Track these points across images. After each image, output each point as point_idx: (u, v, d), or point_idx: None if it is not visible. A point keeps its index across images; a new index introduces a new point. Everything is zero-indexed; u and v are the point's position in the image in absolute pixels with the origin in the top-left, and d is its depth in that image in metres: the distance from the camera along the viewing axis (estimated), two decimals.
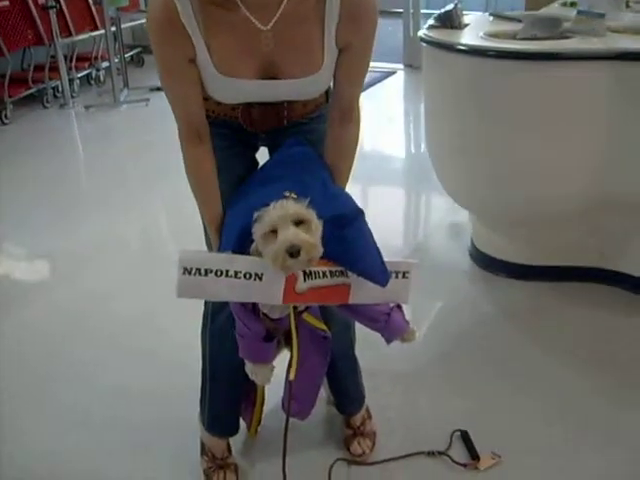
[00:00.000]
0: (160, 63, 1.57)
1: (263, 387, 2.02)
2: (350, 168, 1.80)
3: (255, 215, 1.48)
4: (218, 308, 1.88)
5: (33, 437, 2.27)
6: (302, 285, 1.54)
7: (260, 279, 1.53)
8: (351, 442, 2.13)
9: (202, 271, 1.52)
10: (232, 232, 1.60)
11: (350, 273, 1.58)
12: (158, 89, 6.65)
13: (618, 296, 2.91)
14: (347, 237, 1.57)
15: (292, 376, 1.72)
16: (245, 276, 1.53)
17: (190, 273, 1.52)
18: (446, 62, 2.69)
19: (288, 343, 1.77)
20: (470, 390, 2.40)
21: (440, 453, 2.12)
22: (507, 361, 2.56)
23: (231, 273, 1.53)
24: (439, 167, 3.03)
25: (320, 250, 1.49)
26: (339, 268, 1.57)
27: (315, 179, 1.65)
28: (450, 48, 2.60)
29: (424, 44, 2.76)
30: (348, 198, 1.68)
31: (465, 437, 2.17)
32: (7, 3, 5.82)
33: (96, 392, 2.47)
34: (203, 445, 2.11)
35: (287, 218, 1.45)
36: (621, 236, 2.81)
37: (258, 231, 1.48)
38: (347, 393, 2.14)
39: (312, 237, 1.46)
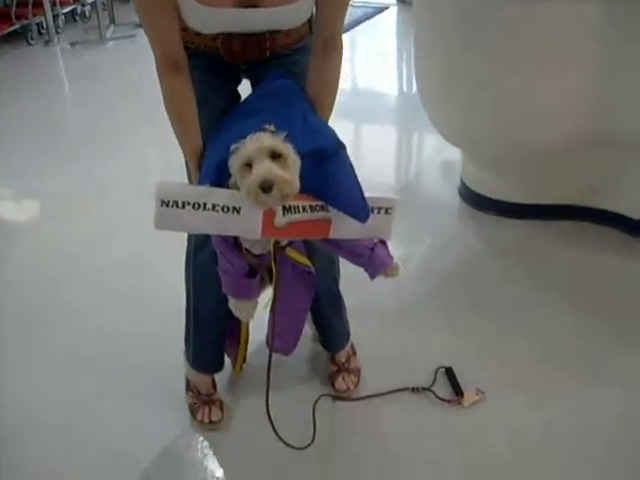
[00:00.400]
0: None
1: (247, 324, 2.02)
2: (333, 101, 1.74)
3: (232, 147, 1.45)
4: (201, 244, 1.86)
5: (22, 383, 2.28)
6: (281, 219, 1.52)
7: (238, 212, 1.51)
8: (336, 378, 2.13)
9: (179, 203, 1.51)
10: (211, 165, 1.57)
11: (331, 208, 1.55)
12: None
13: (609, 236, 2.88)
14: (327, 171, 1.53)
15: (270, 309, 1.75)
16: (223, 209, 1.51)
17: (168, 205, 1.51)
18: None
19: (271, 279, 1.75)
20: (456, 327, 2.40)
21: (424, 389, 2.13)
22: (494, 299, 2.55)
23: (209, 206, 1.51)
24: (429, 105, 2.96)
25: (296, 186, 1.46)
26: (319, 203, 1.54)
27: (297, 112, 1.60)
28: None
29: None
30: (329, 132, 1.63)
31: (449, 373, 2.18)
32: None
33: (85, 335, 2.46)
34: (188, 382, 2.11)
35: (262, 151, 1.41)
36: (614, 175, 2.77)
37: (234, 164, 1.45)
38: (331, 329, 2.13)
39: (287, 172, 1.43)
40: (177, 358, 2.12)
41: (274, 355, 1.83)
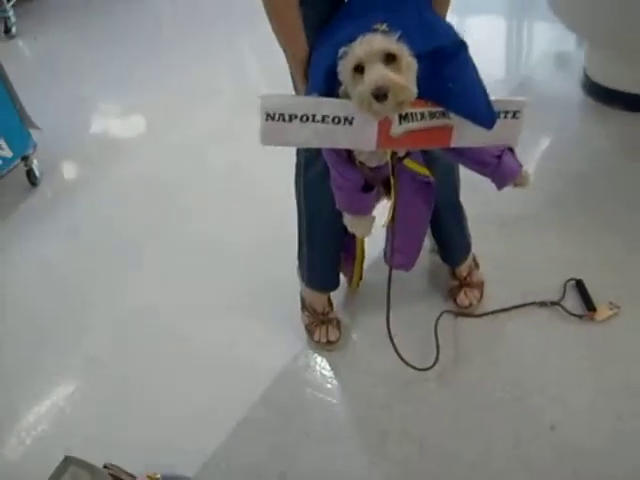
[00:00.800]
0: None
1: (363, 240, 1.93)
2: (448, 7, 1.56)
3: (340, 52, 1.31)
4: (311, 158, 1.76)
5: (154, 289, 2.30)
6: (397, 128, 1.38)
7: (350, 123, 1.39)
8: (457, 293, 2.04)
9: (286, 116, 1.39)
10: (318, 73, 1.43)
11: (452, 114, 1.40)
12: None
13: None
14: (447, 74, 1.36)
15: (388, 224, 1.66)
16: (334, 120, 1.39)
17: (274, 119, 1.39)
18: None
19: (388, 192, 1.64)
20: (583, 238, 2.21)
21: (553, 303, 2.00)
22: (626, 204, 2.33)
23: (318, 118, 1.39)
24: None
25: (413, 92, 1.30)
26: (439, 109, 1.39)
27: (410, 7, 1.42)
28: None
29: None
30: (448, 29, 1.44)
31: (580, 286, 2.03)
32: None
33: (189, 244, 2.45)
34: (303, 300, 2.06)
35: (374, 54, 1.26)
36: None
37: (344, 70, 1.31)
38: (452, 242, 2.01)
39: (403, 77, 1.27)
40: (290, 274, 2.06)
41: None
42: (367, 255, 2.00)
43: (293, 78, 1.65)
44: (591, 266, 2.09)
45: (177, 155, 3.01)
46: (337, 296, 2.08)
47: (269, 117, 1.39)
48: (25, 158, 2.92)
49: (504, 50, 3.65)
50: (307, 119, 1.39)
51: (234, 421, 1.86)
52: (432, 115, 1.39)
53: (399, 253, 1.76)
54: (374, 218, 1.70)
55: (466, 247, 2.03)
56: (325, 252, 1.95)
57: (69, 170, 3.14)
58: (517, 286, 2.06)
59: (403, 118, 1.37)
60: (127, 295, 2.33)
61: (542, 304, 2.00)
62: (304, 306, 2.06)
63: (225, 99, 3.44)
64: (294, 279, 2.05)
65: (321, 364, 1.98)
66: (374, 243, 1.91)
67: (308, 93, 1.46)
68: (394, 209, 1.62)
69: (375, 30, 1.29)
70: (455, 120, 1.41)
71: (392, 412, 1.82)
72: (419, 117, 1.38)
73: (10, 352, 2.19)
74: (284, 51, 1.55)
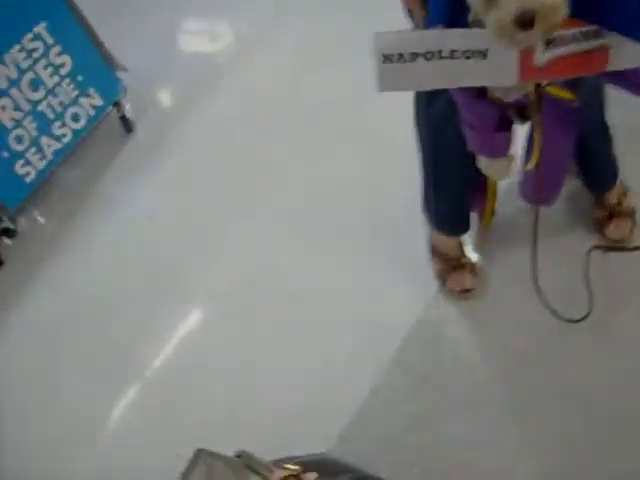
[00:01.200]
0: None
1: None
2: None
3: None
4: (434, 93, 1.53)
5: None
6: (543, 56, 1.17)
7: (484, 56, 1.19)
8: (607, 224, 1.83)
9: (407, 56, 1.20)
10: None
11: (607, 33, 1.16)
12: None
13: None
14: None
15: (533, 165, 1.45)
16: (464, 55, 1.19)
17: (392, 60, 1.21)
18: None
19: (524, 117, 1.44)
20: None
21: None
22: None
23: (446, 53, 1.19)
24: None
25: (564, 10, 1.06)
26: (592, 27, 1.15)
27: None
28: None
29: None
30: None
31: None
32: None
33: (302, 185, 2.30)
34: (433, 245, 1.90)
35: None
36: None
37: None
38: (599, 165, 1.79)
39: None
40: (414, 216, 1.89)
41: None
42: (499, 190, 1.81)
43: (409, 8, 1.43)
44: None
45: (275, 81, 2.81)
46: (470, 237, 1.91)
47: (387, 59, 1.21)
48: (117, 104, 2.81)
49: None
50: (432, 56, 1.20)
51: (366, 388, 1.75)
52: (585, 35, 1.16)
53: (543, 189, 1.56)
54: (513, 158, 1.52)
55: (614, 172, 1.81)
56: (454, 194, 1.78)
57: (163, 111, 3.00)
58: None
59: (550, 43, 1.15)
60: (238, 250, 2.22)
61: None
62: (434, 251, 1.90)
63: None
64: (418, 221, 1.88)
65: (457, 316, 1.83)
66: None
67: (430, 24, 1.26)
68: (539, 145, 1.42)
69: None
70: (611, 39, 1.17)
71: (544, 368, 1.67)
72: (570, 40, 1.16)
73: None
74: None
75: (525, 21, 1.03)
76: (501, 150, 1.50)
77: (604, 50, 1.20)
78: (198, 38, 3.43)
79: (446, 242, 1.86)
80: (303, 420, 1.74)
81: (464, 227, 1.86)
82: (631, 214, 1.83)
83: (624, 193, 1.84)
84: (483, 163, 1.53)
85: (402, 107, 1.67)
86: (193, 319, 2.09)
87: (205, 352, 1.99)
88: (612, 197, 1.82)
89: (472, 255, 1.90)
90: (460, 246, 1.88)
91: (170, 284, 2.17)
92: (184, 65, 3.22)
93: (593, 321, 1.68)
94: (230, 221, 2.29)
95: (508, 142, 1.50)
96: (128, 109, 2.84)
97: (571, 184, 1.91)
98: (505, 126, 1.45)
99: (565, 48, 1.17)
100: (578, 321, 1.65)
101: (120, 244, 2.37)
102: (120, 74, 2.78)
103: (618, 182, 1.82)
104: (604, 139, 1.74)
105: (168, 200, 2.48)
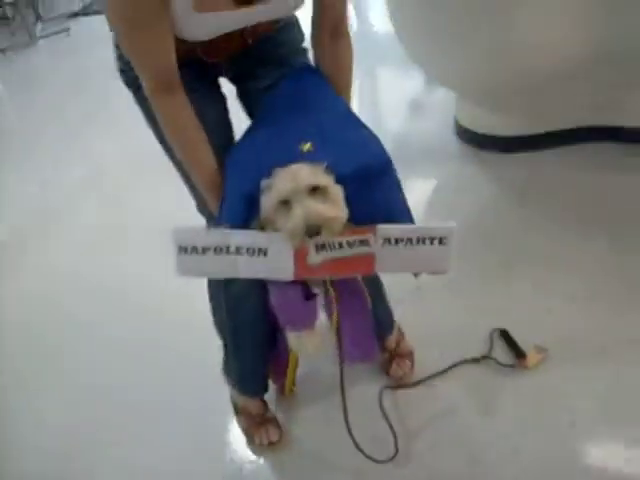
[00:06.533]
0: (124, 17, 1.26)
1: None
2: (349, 85, 1.56)
3: (263, 184, 1.28)
4: None
5: None
6: (314, 258, 1.34)
7: (265, 254, 1.35)
8: (390, 365, 2.01)
9: (199, 249, 1.36)
10: (235, 198, 1.38)
11: (373, 244, 1.35)
12: (76, 14, 6.12)
13: (615, 152, 2.74)
14: (374, 199, 1.35)
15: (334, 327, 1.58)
16: (248, 252, 1.36)
17: (187, 252, 1.37)
18: None
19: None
20: (494, 286, 2.25)
21: (484, 357, 2.01)
22: (522, 243, 2.40)
23: (232, 250, 1.36)
24: (415, 51, 2.75)
25: (343, 218, 1.28)
26: (359, 237, 1.34)
27: (332, 118, 1.41)
28: None
29: None
30: (374, 145, 1.41)
31: (505, 335, 2.05)
32: None
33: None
34: (236, 404, 1.96)
35: (301, 190, 1.23)
36: (614, 90, 2.61)
37: (267, 203, 1.28)
38: (377, 316, 1.93)
39: (332, 207, 1.25)
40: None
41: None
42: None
43: (195, 194, 1.60)
44: (509, 313, 2.12)
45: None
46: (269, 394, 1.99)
47: (182, 250, 1.37)
48: None
49: (365, 106, 3.60)
50: (221, 251, 1.36)
51: None
52: (351, 244, 1.35)
53: (357, 347, 1.71)
54: (320, 334, 1.60)
55: (390, 320, 2.00)
56: (256, 362, 1.87)
57: None
58: (446, 347, 2.05)
59: (320, 247, 1.33)
60: None
61: (474, 360, 2.00)
62: (237, 411, 1.96)
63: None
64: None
65: (269, 467, 1.88)
66: None
67: (222, 220, 1.42)
68: (337, 311, 1.55)
69: (300, 152, 1.28)
70: (377, 248, 1.36)
71: None
72: (337, 246, 1.34)
73: None
74: (192, 175, 1.49)
75: (312, 231, 1.24)
76: (310, 320, 1.56)
77: (370, 257, 1.37)
78: None
79: (249, 402, 1.93)
80: None
81: (264, 389, 1.94)
82: (409, 355, 2.02)
83: (402, 336, 2.05)
84: (292, 338, 1.58)
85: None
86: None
87: None
88: (392, 342, 2.00)
89: (274, 409, 1.98)
90: (262, 403, 1.95)
91: None
92: None
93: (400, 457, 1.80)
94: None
95: (315, 312, 1.57)
96: None
97: None
98: (310, 296, 1.54)
99: (334, 252, 1.34)
100: (388, 461, 1.77)
101: None
102: None
103: (395, 328, 2.01)
104: (378, 290, 1.92)
105: None
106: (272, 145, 1.35)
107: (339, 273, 1.42)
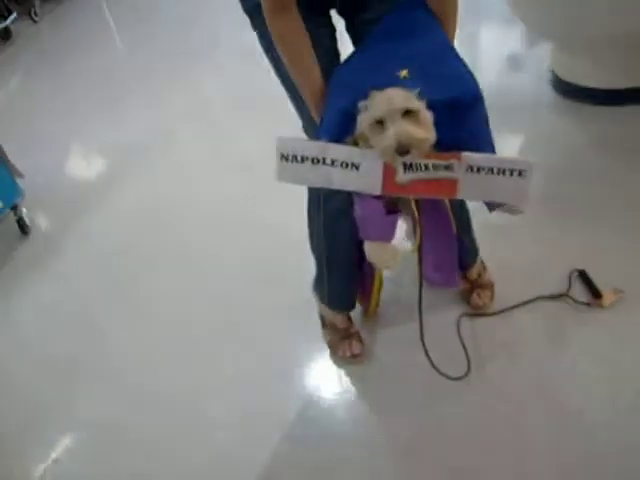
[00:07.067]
0: None
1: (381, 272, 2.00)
2: (455, 27, 1.64)
3: (360, 105, 1.40)
4: (330, 193, 1.76)
5: None
6: (402, 177, 1.46)
7: (357, 169, 1.49)
8: (470, 295, 2.11)
9: (298, 158, 1.50)
10: (334, 114, 1.52)
11: (457, 169, 1.46)
12: None
13: None
14: (461, 129, 1.46)
15: (415, 247, 1.70)
16: (342, 165, 1.49)
17: (287, 160, 1.51)
18: None
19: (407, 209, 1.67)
20: (579, 230, 2.31)
21: (561, 295, 2.09)
22: (609, 194, 2.44)
23: (327, 161, 1.50)
24: (518, 2, 2.79)
25: (432, 140, 1.40)
26: (445, 162, 1.45)
27: (431, 50, 1.51)
28: None
29: None
30: (468, 78, 1.51)
31: (583, 276, 2.12)
32: None
33: (188, 278, 2.49)
34: (323, 318, 2.12)
35: (395, 111, 1.35)
36: None
37: (364, 122, 1.41)
38: (462, 246, 2.05)
39: (422, 129, 1.37)
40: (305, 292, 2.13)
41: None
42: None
43: (302, 114, 1.73)
44: (591, 255, 2.19)
45: (166, 187, 3.05)
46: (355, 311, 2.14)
47: (283, 157, 1.51)
48: (14, 208, 2.93)
49: (469, 58, 3.67)
50: (318, 162, 1.50)
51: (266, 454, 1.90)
52: (436, 167, 1.46)
53: (439, 271, 1.84)
54: (397, 250, 1.68)
55: (474, 251, 2.11)
56: (346, 279, 2.02)
57: (58, 215, 3.14)
58: (525, 282, 2.15)
59: (408, 167, 1.45)
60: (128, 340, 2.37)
61: (551, 297, 2.09)
62: (324, 324, 2.12)
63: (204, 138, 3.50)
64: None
65: (351, 379, 2.03)
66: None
67: (323, 132, 1.54)
68: (420, 232, 1.66)
69: (397, 77, 1.40)
70: (460, 174, 1.47)
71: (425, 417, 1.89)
72: (423, 168, 1.45)
73: None
74: (298, 86, 1.61)
75: (403, 150, 1.36)
76: (388, 233, 1.65)
77: (453, 181, 1.48)
78: (88, 149, 3.66)
79: (335, 316, 2.08)
80: None
81: (352, 305, 2.09)
82: (490, 286, 2.13)
83: (484, 269, 2.15)
84: (368, 249, 1.68)
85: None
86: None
87: None
88: (474, 272, 2.11)
89: (358, 325, 2.13)
90: (348, 318, 2.10)
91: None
92: (77, 172, 3.43)
93: (470, 377, 1.93)
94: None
95: (394, 226, 1.66)
96: (25, 213, 2.97)
97: None
98: (392, 211, 1.64)
99: (420, 174, 1.46)
100: (458, 379, 1.90)
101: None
102: (18, 180, 2.92)
103: (478, 259, 2.12)
104: (466, 222, 2.02)
105: (56, 304, 2.63)
106: (372, 68, 1.47)
107: (423, 193, 1.53)
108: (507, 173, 1.47)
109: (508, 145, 2.74)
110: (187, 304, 2.43)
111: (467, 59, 1.54)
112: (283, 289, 2.32)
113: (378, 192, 1.50)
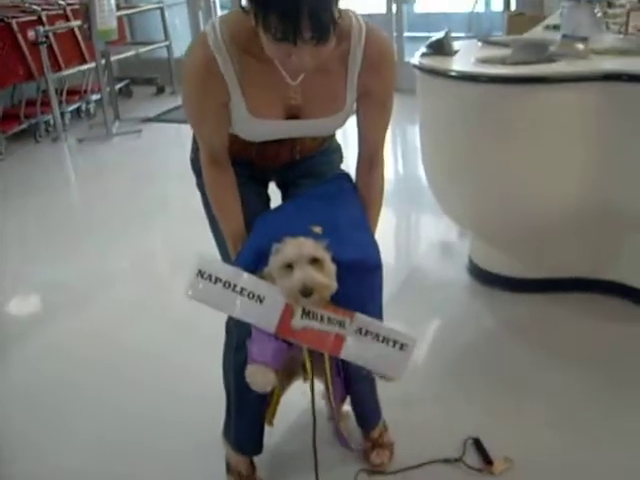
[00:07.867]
0: (193, 109, 1.72)
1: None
2: (379, 213, 1.93)
3: (274, 247, 1.60)
4: (243, 342, 1.83)
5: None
6: (298, 322, 1.61)
7: (261, 302, 1.62)
8: (370, 453, 2.22)
9: (213, 278, 1.63)
10: (250, 249, 1.72)
11: (348, 327, 1.62)
12: (149, 120, 6.76)
13: (617, 306, 3.01)
14: (357, 289, 1.65)
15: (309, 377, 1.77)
16: (248, 295, 1.62)
17: (203, 277, 1.63)
18: (440, 88, 2.82)
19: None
20: (478, 401, 2.50)
21: (455, 460, 2.22)
22: (511, 372, 2.66)
23: (237, 289, 1.62)
24: (437, 190, 3.15)
25: (333, 288, 1.58)
26: (339, 317, 1.62)
27: (347, 216, 1.77)
28: (444, 75, 2.73)
29: (418, 71, 2.88)
30: (373, 248, 1.76)
31: (477, 444, 2.27)
32: None
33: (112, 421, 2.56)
34: (228, 464, 2.19)
35: (303, 257, 1.55)
36: (617, 248, 2.93)
37: (274, 263, 1.59)
38: (366, 410, 2.22)
39: (326, 277, 1.56)
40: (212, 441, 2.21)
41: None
42: (289, 422, 2.23)
43: (220, 247, 1.94)
44: (487, 425, 2.35)
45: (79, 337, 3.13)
46: (260, 457, 2.21)
47: (200, 274, 1.63)
48: None
49: (395, 240, 4.04)
50: (228, 286, 1.63)
51: None
52: (330, 321, 1.62)
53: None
54: (274, 379, 1.68)
55: (377, 413, 2.24)
56: (253, 423, 2.10)
57: None
58: (423, 446, 2.28)
59: (306, 314, 1.61)
60: None
61: (446, 461, 2.21)
62: (229, 470, 2.18)
63: (135, 281, 3.67)
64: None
65: None
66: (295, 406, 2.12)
67: (236, 262, 1.72)
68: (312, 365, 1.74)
69: (310, 230, 1.60)
70: (349, 333, 1.63)
71: None
72: (319, 318, 1.62)
73: None
74: (221, 226, 1.84)
75: (306, 293, 1.55)
76: (270, 359, 1.65)
77: (340, 339, 1.62)
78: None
79: (241, 461, 2.15)
80: None
81: (259, 450, 2.16)
82: (389, 446, 2.25)
83: (385, 429, 2.27)
84: (249, 369, 1.67)
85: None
86: None
87: None
88: (375, 432, 2.23)
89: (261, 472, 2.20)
90: (252, 463, 2.17)
91: None
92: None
93: None
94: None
95: (279, 354, 1.66)
96: None
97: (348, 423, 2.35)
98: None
99: (315, 323, 1.61)
100: None
101: None
102: None
103: (381, 421, 2.25)
104: (370, 389, 2.15)
105: None
106: (292, 220, 1.70)
107: (311, 344, 1.66)
108: (390, 343, 1.63)
109: (419, 322, 2.99)
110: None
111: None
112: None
113: (272, 331, 1.61)
